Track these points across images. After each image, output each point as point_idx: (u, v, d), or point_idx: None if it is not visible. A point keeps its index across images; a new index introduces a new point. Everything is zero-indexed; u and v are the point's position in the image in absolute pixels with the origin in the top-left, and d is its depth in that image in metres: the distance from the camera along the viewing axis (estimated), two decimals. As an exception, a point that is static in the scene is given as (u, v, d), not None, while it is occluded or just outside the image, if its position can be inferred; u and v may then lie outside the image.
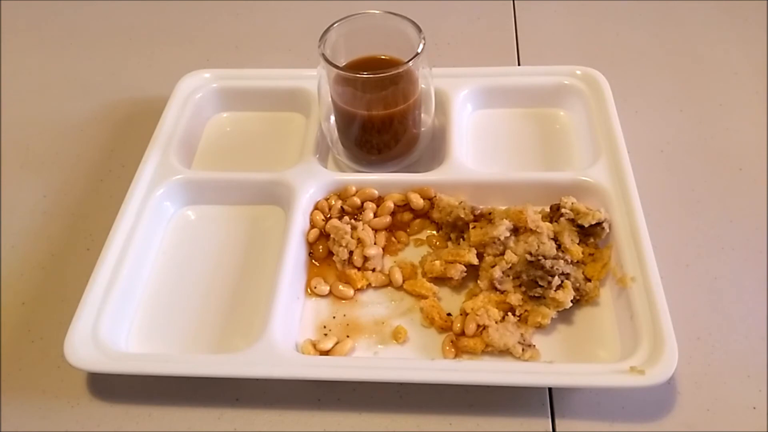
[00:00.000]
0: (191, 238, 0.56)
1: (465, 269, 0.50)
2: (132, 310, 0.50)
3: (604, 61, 0.69)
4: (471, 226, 0.52)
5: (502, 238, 0.50)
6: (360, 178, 0.56)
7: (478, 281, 0.50)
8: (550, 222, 0.52)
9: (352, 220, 0.54)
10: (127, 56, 0.76)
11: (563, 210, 0.51)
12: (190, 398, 0.46)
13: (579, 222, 0.51)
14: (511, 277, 0.49)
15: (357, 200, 0.55)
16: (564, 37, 0.75)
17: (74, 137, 0.66)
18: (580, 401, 0.45)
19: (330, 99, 0.56)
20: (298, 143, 0.61)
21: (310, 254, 0.53)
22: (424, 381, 0.45)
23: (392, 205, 0.54)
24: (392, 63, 0.54)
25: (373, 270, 0.52)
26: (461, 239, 0.52)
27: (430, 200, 0.54)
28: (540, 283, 0.48)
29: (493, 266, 0.49)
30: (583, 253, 0.50)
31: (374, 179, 0.56)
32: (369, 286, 0.51)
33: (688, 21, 0.76)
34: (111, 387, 0.47)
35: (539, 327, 0.48)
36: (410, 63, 0.52)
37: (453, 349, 0.47)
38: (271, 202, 0.57)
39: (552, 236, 0.50)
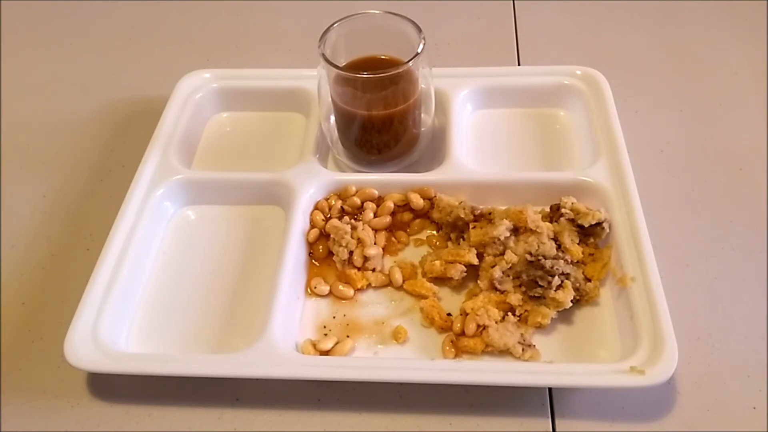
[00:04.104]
0: (191, 238, 0.55)
1: (465, 269, 0.50)
2: (132, 310, 0.50)
3: (604, 61, 0.69)
4: (471, 226, 0.52)
5: (502, 238, 0.50)
6: (360, 178, 0.56)
7: (478, 281, 0.50)
8: (550, 222, 0.52)
9: (352, 220, 0.54)
10: (127, 56, 0.76)
11: (563, 210, 0.51)
12: (190, 398, 0.46)
13: (579, 222, 0.51)
14: (511, 277, 0.49)
15: (357, 200, 0.55)
16: (564, 37, 0.75)
17: (74, 137, 0.66)
18: (580, 401, 0.45)
19: (330, 99, 0.56)
20: (298, 143, 0.61)
21: (310, 254, 0.53)
22: (424, 381, 0.45)
23: (392, 205, 0.54)
24: (392, 63, 0.54)
25: (373, 270, 0.52)
26: (461, 239, 0.52)
27: (430, 200, 0.54)
28: (540, 283, 0.48)
29: (493, 266, 0.49)
30: (583, 253, 0.50)
31: (374, 179, 0.56)
32: (369, 286, 0.51)
33: (688, 21, 0.76)
34: (111, 387, 0.47)
35: (539, 327, 0.48)
36: (410, 63, 0.52)
37: (453, 349, 0.47)
38: (271, 202, 0.57)
39: (552, 236, 0.50)
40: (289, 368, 0.44)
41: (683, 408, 0.45)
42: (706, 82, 0.68)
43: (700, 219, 0.55)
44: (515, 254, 0.49)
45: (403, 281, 0.51)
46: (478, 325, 0.47)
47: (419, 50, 0.52)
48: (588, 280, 0.49)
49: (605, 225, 0.51)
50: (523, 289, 0.49)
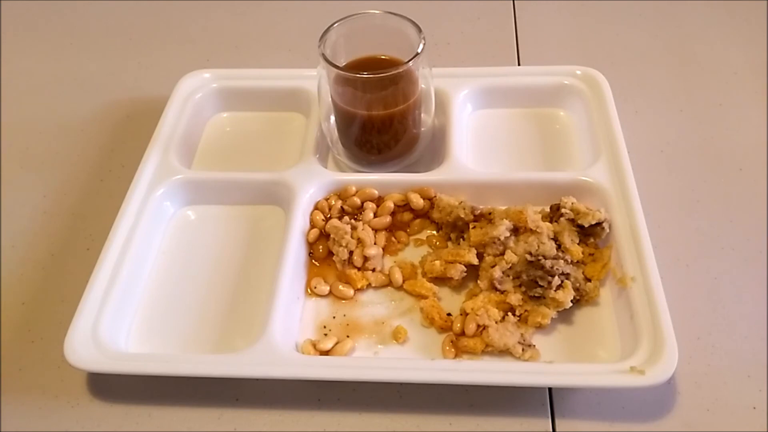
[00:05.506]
0: (191, 238, 0.55)
1: (465, 269, 0.50)
2: (132, 310, 0.50)
3: (604, 61, 0.69)
4: (471, 226, 0.52)
5: (502, 238, 0.50)
6: (360, 178, 0.56)
7: (478, 281, 0.50)
8: (550, 222, 0.52)
9: (352, 220, 0.54)
10: (127, 56, 0.76)
11: (563, 210, 0.51)
12: (190, 398, 0.46)
13: (579, 222, 0.51)
14: (511, 277, 0.49)
15: (357, 200, 0.55)
16: (564, 37, 0.75)
17: (74, 137, 0.66)
18: (580, 401, 0.45)
19: (330, 99, 0.56)
20: (298, 143, 0.61)
21: (310, 254, 0.53)
22: (424, 381, 0.45)
23: (392, 205, 0.54)
24: (392, 63, 0.54)
25: (373, 270, 0.52)
26: (461, 239, 0.52)
27: (430, 200, 0.54)
28: (540, 283, 0.48)
29: (493, 266, 0.49)
30: (583, 253, 0.50)
31: (374, 179, 0.56)
32: (369, 286, 0.51)
33: (688, 21, 0.76)
34: (111, 387, 0.47)
35: (539, 327, 0.48)
36: (410, 63, 0.52)
37: (453, 349, 0.47)
38: (271, 202, 0.57)
39: (552, 236, 0.50)
40: (289, 368, 0.44)
41: (683, 408, 0.45)
42: (706, 82, 0.68)
43: (700, 219, 0.55)
44: (515, 254, 0.49)
45: (403, 281, 0.51)
46: (478, 325, 0.47)
47: (419, 50, 0.52)
48: (588, 280, 0.49)
49: (605, 225, 0.51)
50: (523, 289, 0.49)
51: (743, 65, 0.69)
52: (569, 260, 0.49)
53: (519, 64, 0.71)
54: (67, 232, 0.58)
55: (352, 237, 0.52)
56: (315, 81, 0.57)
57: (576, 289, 0.48)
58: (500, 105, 0.64)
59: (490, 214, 0.52)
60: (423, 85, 0.56)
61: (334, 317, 0.50)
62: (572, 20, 0.77)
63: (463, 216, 0.52)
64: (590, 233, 0.51)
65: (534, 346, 0.46)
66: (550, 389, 0.46)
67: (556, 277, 0.47)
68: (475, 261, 0.50)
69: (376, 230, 0.54)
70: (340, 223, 0.52)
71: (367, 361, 0.47)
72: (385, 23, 0.55)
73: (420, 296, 0.50)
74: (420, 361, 0.46)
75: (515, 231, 0.51)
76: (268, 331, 0.46)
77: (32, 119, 0.69)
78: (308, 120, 0.62)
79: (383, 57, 0.56)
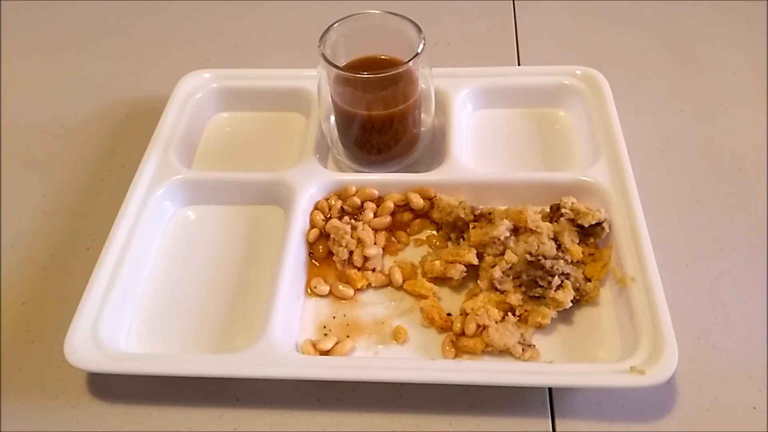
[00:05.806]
0: (191, 238, 0.55)
1: (465, 269, 0.50)
2: (132, 310, 0.50)
3: (604, 61, 0.69)
4: (471, 226, 0.52)
5: (502, 238, 0.50)
6: (360, 178, 0.56)
7: (478, 281, 0.50)
8: (550, 222, 0.52)
9: (352, 220, 0.54)
10: (127, 56, 0.76)
11: (563, 210, 0.51)
12: (190, 398, 0.46)
13: (579, 222, 0.51)
14: (511, 277, 0.49)
15: (357, 200, 0.55)
16: (564, 37, 0.75)
17: (74, 137, 0.66)
18: (580, 401, 0.45)
19: (330, 99, 0.56)
20: (298, 143, 0.61)
21: (310, 254, 0.53)
22: (424, 381, 0.45)
23: (392, 205, 0.54)
24: (392, 63, 0.54)
25: (373, 270, 0.52)
26: (461, 239, 0.52)
27: (430, 200, 0.54)
28: (540, 283, 0.48)
29: (493, 266, 0.49)
30: (583, 253, 0.50)
31: (374, 179, 0.56)
32: (369, 286, 0.51)
33: (688, 21, 0.76)
34: (111, 387, 0.47)
35: (539, 327, 0.48)
36: (410, 63, 0.52)
37: (453, 349, 0.47)
38: (271, 202, 0.57)
39: (552, 236, 0.50)
40: (289, 368, 0.44)
41: (683, 408, 0.45)
42: (706, 82, 0.68)
43: (700, 219, 0.55)
44: (515, 254, 0.49)
45: (403, 281, 0.51)
46: (478, 325, 0.47)
47: (419, 50, 0.52)
48: (588, 280, 0.49)
49: (605, 225, 0.51)
50: (523, 289, 0.49)
51: (743, 65, 0.69)
52: (569, 260, 0.49)
53: (519, 64, 0.71)
54: (67, 232, 0.58)
55: (352, 237, 0.52)
56: (315, 81, 0.57)
57: (576, 289, 0.48)
58: (500, 105, 0.64)
59: (490, 214, 0.52)
60: (423, 85, 0.56)
61: (334, 317, 0.50)
62: (572, 20, 0.77)
63: (463, 216, 0.52)
64: (590, 233, 0.51)
65: (534, 346, 0.47)
66: (550, 389, 0.46)
67: (556, 277, 0.47)
68: (475, 261, 0.50)
69: (376, 230, 0.54)
70: (340, 223, 0.52)
71: (367, 361, 0.47)
72: (385, 23, 0.55)
73: (420, 296, 0.50)
74: (420, 361, 0.46)
75: (515, 231, 0.51)
76: (268, 331, 0.46)
77: (32, 119, 0.69)
78: (308, 120, 0.62)
79: (383, 57, 0.56)
